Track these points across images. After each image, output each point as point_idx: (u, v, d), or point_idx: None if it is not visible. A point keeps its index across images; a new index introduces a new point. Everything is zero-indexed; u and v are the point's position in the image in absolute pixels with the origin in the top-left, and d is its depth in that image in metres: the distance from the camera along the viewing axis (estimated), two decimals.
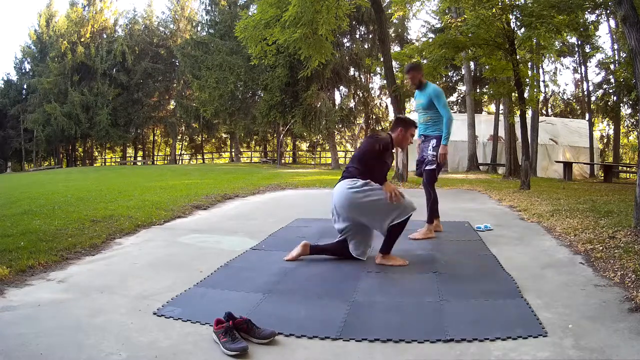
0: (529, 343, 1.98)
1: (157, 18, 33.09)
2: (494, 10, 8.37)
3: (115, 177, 12.64)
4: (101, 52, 29.37)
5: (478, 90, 18.26)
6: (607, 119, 24.49)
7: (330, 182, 8.66)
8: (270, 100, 19.95)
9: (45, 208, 5.60)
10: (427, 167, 4.20)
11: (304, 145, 34.35)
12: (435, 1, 12.54)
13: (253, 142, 33.49)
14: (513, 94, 9.69)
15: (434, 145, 4.16)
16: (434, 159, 4.15)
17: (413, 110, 26.81)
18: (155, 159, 35.24)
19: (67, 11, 30.97)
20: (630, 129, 24.95)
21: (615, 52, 16.95)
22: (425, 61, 9.44)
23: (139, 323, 2.24)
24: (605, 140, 26.26)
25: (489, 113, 22.86)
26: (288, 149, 29.25)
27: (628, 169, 16.62)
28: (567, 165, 12.79)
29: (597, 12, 9.88)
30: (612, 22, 15.59)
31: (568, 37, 13.88)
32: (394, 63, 11.14)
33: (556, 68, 23.01)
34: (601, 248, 3.36)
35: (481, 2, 8.20)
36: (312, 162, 29.09)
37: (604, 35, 43.99)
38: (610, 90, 19.71)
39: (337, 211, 3.29)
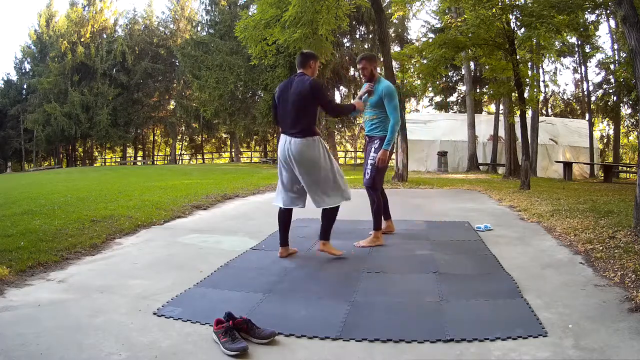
0: (529, 343, 1.98)
1: (157, 18, 33.20)
2: (494, 10, 8.37)
3: (115, 177, 12.63)
4: (101, 52, 29.39)
5: (478, 90, 18.24)
6: (607, 119, 24.51)
7: None
8: (271, 100, 19.94)
9: (45, 208, 5.59)
10: (366, 174, 3.88)
11: None
12: (435, 1, 12.57)
13: (253, 142, 33.47)
14: (513, 94, 9.68)
15: (376, 147, 3.82)
16: (374, 163, 3.80)
17: (417, 110, 26.76)
18: (155, 159, 35.24)
19: (67, 11, 31.00)
20: (630, 129, 24.96)
21: (615, 52, 16.96)
22: (425, 61, 9.43)
23: (139, 323, 2.24)
24: (605, 140, 26.25)
25: (489, 113, 22.83)
26: None
27: (628, 169, 16.63)
28: (567, 165, 12.80)
29: (597, 12, 9.87)
30: (612, 22, 15.60)
31: (568, 37, 13.87)
32: (394, 63, 11.15)
33: (556, 68, 23.05)
34: (601, 248, 3.35)
35: (481, 2, 8.19)
36: None
37: (604, 35, 44.12)
38: (610, 90, 19.75)
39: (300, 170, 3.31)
